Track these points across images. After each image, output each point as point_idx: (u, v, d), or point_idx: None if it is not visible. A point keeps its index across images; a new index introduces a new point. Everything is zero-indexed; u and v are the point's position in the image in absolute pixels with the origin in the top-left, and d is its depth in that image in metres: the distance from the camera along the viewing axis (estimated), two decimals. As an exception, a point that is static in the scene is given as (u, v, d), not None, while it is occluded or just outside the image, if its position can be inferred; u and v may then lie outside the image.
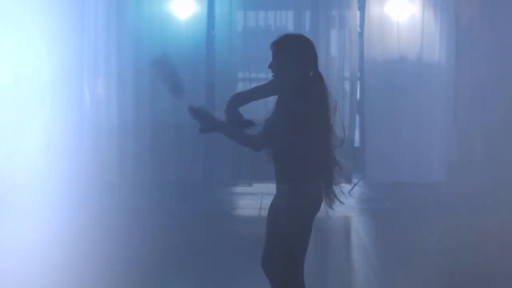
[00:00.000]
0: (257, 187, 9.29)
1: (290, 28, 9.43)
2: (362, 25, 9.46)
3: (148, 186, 9.07)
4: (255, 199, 8.67)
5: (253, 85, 9.11)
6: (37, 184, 8.64)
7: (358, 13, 9.40)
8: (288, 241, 3.54)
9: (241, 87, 9.51)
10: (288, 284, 3.57)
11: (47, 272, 5.51)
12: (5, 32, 8.86)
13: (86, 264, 5.75)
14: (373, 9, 9.27)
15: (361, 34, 9.46)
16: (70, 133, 9.02)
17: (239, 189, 9.51)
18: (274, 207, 3.67)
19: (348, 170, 9.71)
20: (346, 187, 9.12)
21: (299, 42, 3.63)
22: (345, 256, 6.54)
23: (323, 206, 3.65)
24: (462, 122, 9.56)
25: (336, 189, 3.63)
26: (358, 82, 9.54)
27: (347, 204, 8.60)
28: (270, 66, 3.65)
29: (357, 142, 9.76)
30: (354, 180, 9.32)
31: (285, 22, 9.63)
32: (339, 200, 3.65)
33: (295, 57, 3.58)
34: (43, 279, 5.35)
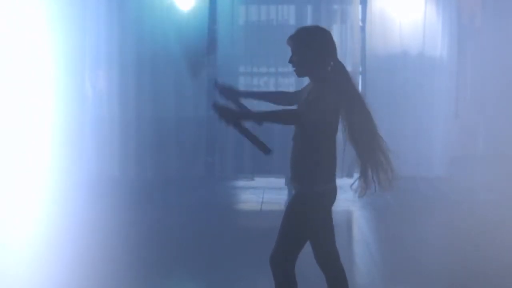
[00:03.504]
0: (259, 181, 9.29)
1: (292, 23, 9.41)
2: (364, 19, 9.44)
3: (149, 180, 9.08)
4: (257, 193, 8.67)
5: (255, 79, 9.18)
6: (38, 179, 8.64)
7: (360, 7, 9.38)
8: (296, 238, 3.60)
9: (242, 81, 9.49)
10: (281, 277, 3.62)
11: (48, 267, 5.52)
12: (6, 25, 8.86)
13: (87, 259, 5.76)
14: (375, 4, 9.26)
15: (363, 28, 9.44)
16: (72, 127, 9.02)
17: (241, 183, 9.52)
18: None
19: (350, 165, 9.72)
20: (347, 181, 9.18)
21: (317, 33, 3.63)
22: (346, 250, 6.54)
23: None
24: (463, 116, 9.55)
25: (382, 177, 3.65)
26: (360, 77, 9.53)
27: (348, 198, 8.66)
28: (290, 61, 3.64)
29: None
30: (356, 175, 9.32)
31: (287, 16, 9.61)
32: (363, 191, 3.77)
33: (314, 48, 3.57)
34: (44, 274, 5.36)
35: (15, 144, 8.74)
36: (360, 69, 9.46)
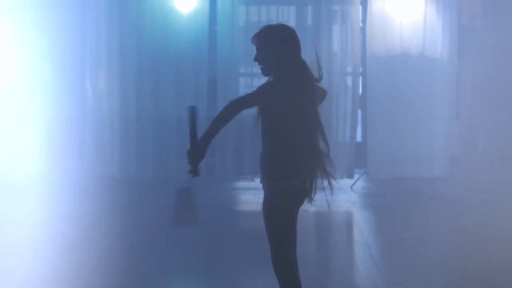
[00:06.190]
0: (259, 182, 9.27)
1: (292, 23, 9.41)
2: (364, 20, 9.44)
3: (149, 180, 9.08)
4: (257, 194, 8.67)
5: (255, 80, 9.17)
6: (39, 179, 8.65)
7: (360, 8, 9.38)
8: (274, 237, 3.59)
9: (243, 82, 9.50)
10: (283, 278, 3.61)
11: (48, 267, 5.53)
12: (6, 27, 8.86)
13: (87, 259, 5.76)
14: (375, 4, 9.26)
15: (363, 29, 9.44)
16: (72, 128, 9.03)
17: (241, 184, 9.52)
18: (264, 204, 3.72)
19: (350, 165, 9.68)
20: (348, 182, 9.19)
21: (280, 31, 3.68)
22: (347, 251, 6.55)
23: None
24: (464, 117, 9.56)
25: (318, 185, 3.63)
26: (360, 77, 9.53)
27: (349, 199, 8.67)
28: (255, 59, 3.67)
29: (359, 137, 9.76)
30: (356, 175, 9.33)
31: (287, 17, 9.61)
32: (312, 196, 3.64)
33: (277, 45, 3.60)
34: (44, 274, 5.36)
35: (15, 144, 8.75)
36: (361, 69, 9.46)
